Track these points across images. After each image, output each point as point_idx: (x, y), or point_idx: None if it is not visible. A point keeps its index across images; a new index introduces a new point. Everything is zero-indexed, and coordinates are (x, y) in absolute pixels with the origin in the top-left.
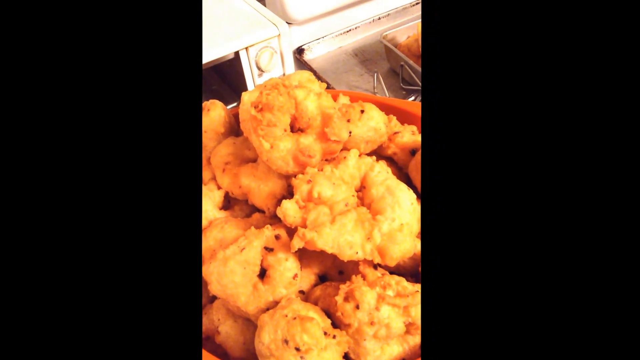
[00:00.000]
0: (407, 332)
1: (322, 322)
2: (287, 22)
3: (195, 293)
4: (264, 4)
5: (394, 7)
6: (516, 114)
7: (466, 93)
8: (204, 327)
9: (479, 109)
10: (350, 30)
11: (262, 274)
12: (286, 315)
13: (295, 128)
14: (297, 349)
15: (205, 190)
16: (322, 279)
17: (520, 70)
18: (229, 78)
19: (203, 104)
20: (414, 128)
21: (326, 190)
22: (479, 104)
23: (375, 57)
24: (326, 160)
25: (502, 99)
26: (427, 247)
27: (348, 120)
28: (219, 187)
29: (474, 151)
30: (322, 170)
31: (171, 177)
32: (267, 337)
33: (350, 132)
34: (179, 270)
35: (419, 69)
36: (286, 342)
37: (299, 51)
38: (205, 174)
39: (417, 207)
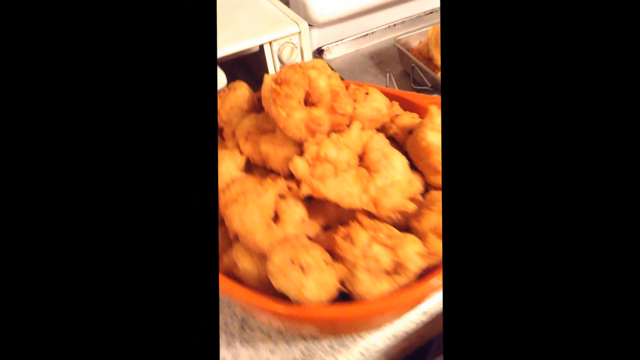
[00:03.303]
0: (396, 272)
1: (323, 254)
2: (309, 24)
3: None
4: (288, 6)
5: (409, 15)
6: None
7: (487, 87)
8: (225, 264)
9: (497, 104)
10: (367, 34)
11: (275, 219)
12: (294, 244)
13: (308, 102)
14: (302, 268)
15: (230, 154)
16: (325, 230)
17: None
18: (253, 69)
19: (230, 84)
20: (415, 115)
21: (332, 152)
22: (496, 99)
23: (389, 60)
24: (333, 131)
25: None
26: (448, 243)
27: (355, 100)
28: (242, 153)
29: (493, 147)
30: (329, 136)
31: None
32: (277, 259)
33: (355, 109)
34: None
35: (429, 70)
36: (292, 262)
37: (319, 51)
38: (231, 143)
39: (407, 171)
